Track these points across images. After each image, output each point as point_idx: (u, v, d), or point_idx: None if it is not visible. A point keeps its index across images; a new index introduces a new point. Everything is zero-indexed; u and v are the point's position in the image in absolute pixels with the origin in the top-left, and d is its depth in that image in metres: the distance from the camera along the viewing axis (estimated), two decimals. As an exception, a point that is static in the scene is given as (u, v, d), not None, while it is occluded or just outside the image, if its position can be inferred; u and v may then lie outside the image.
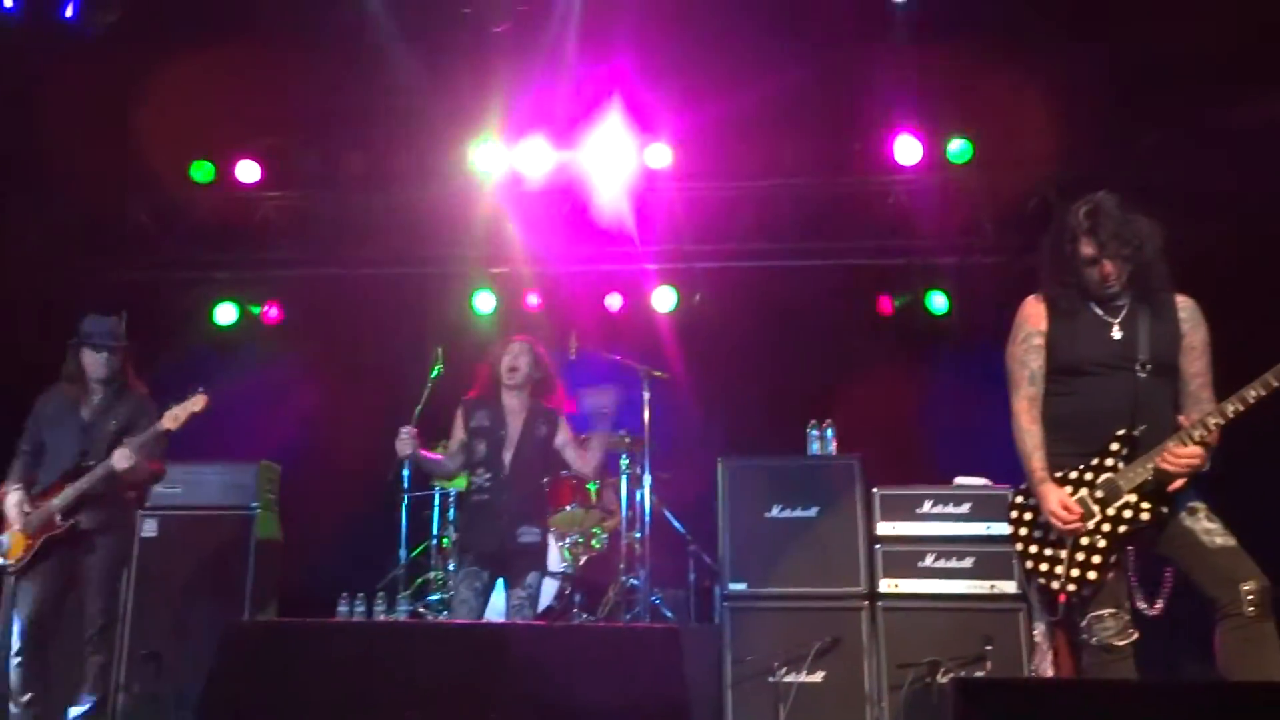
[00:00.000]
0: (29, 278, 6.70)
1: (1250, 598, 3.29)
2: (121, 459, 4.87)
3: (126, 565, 5.51)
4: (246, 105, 6.85)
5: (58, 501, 4.91)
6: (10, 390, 5.51)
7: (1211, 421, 3.38)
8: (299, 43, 6.15)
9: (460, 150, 7.23)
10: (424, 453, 5.04)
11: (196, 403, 5.00)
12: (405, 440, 4.96)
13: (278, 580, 6.18)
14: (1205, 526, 3.43)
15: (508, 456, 5.00)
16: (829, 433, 6.21)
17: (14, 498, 5.03)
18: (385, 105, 6.71)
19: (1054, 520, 3.46)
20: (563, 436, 5.15)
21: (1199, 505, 3.48)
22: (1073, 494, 3.49)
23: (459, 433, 5.14)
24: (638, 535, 6.28)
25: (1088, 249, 3.53)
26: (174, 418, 4.98)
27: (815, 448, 6.18)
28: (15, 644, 4.93)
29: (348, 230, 7.70)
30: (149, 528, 6.01)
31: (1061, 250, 3.60)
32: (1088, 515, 3.45)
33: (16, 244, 6.71)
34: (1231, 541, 3.42)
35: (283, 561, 6.28)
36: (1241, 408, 3.35)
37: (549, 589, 5.96)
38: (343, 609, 6.31)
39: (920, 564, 5.60)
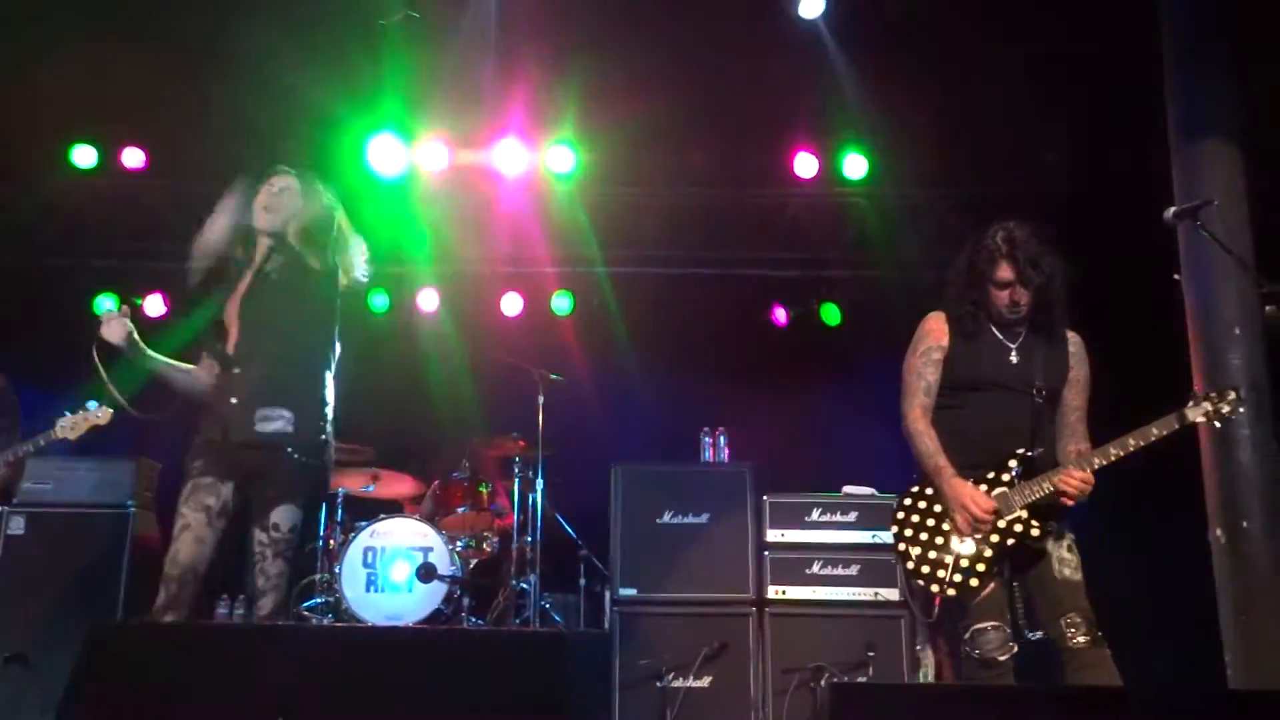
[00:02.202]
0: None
1: (1071, 631, 3.44)
2: None
3: None
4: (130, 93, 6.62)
5: None
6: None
7: (1112, 453, 3.52)
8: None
9: (355, 145, 7.10)
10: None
11: (100, 416, 4.76)
12: (113, 322, 3.86)
13: (155, 582, 5.97)
14: (1062, 555, 3.58)
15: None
16: (722, 440, 6.28)
17: None
18: (278, 98, 6.54)
19: (965, 513, 3.53)
20: None
21: (1067, 535, 3.63)
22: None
23: None
24: (529, 539, 6.24)
25: (1004, 272, 3.64)
26: (71, 427, 4.74)
27: (708, 455, 6.24)
28: None
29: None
30: (16, 525, 5.73)
31: (974, 270, 3.70)
32: (1006, 511, 3.53)
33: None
34: (1077, 577, 3.57)
35: (161, 563, 6.07)
36: (1123, 453, 3.51)
37: (437, 592, 5.89)
38: (222, 611, 6.14)
39: (807, 571, 5.69)
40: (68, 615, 5.54)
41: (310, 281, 3.97)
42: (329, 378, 4.03)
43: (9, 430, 4.90)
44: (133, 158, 7.23)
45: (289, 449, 3.77)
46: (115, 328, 3.80)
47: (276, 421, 3.75)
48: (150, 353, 3.91)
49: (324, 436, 3.93)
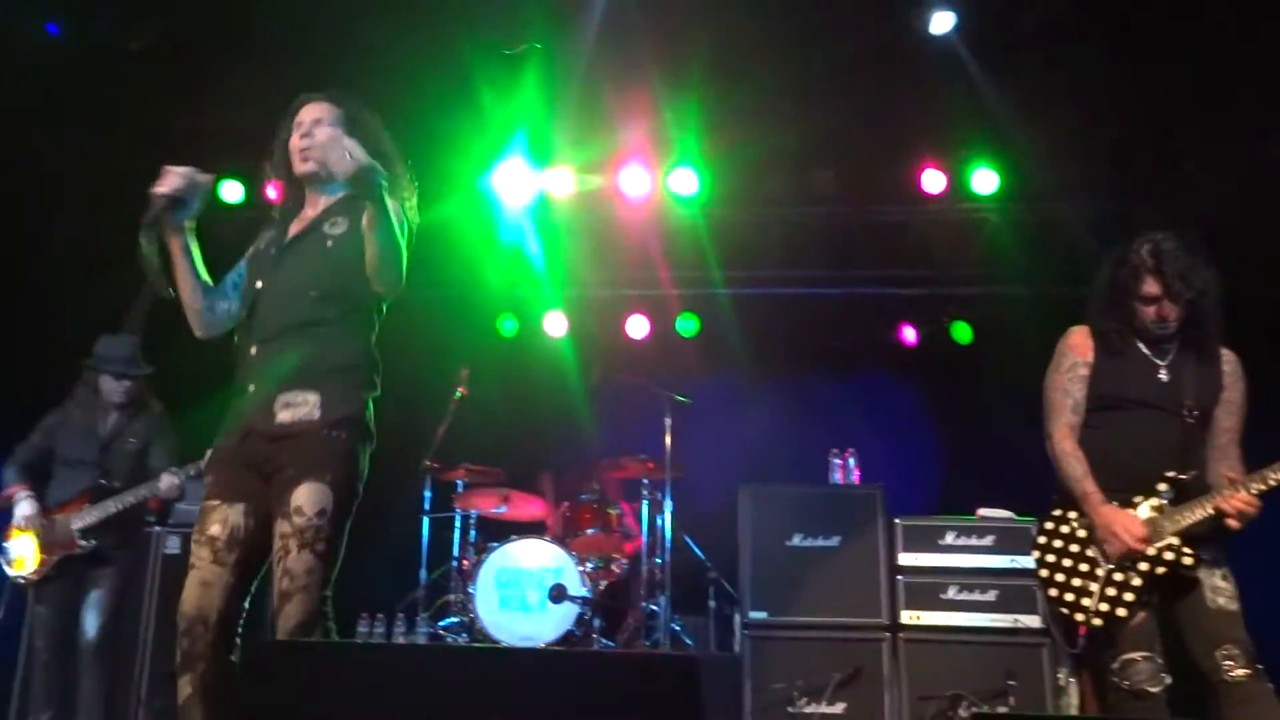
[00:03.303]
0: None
1: (1228, 663, 3.26)
2: (169, 488, 4.87)
3: (135, 584, 5.48)
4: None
5: (79, 522, 4.89)
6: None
7: (1271, 478, 3.34)
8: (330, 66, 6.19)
9: (485, 173, 7.26)
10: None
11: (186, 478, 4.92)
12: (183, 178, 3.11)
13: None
14: (1216, 584, 3.40)
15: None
16: (851, 462, 6.20)
17: (27, 507, 4.98)
18: (408, 128, 6.73)
19: (1116, 540, 3.39)
20: None
21: (1222, 563, 3.45)
22: None
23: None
24: (658, 561, 6.26)
25: (1151, 287, 3.50)
26: (167, 490, 4.92)
27: (837, 477, 6.17)
28: (41, 656, 4.94)
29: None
30: (172, 545, 6.02)
31: (1118, 285, 3.57)
32: (1156, 537, 3.40)
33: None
34: (1233, 606, 3.39)
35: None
36: None
37: (569, 613, 5.95)
38: (362, 629, 6.33)
39: (942, 596, 5.56)
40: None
41: (362, 231, 3.09)
42: (373, 335, 3.25)
43: (165, 456, 5.13)
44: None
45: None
46: (176, 180, 3.06)
47: (301, 407, 2.99)
48: (192, 243, 3.18)
49: (364, 409, 3.14)
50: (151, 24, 5.81)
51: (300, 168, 3.22)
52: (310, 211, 3.28)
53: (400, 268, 3.15)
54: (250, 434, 3.05)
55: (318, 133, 3.20)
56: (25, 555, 4.96)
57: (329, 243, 3.14)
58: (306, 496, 2.93)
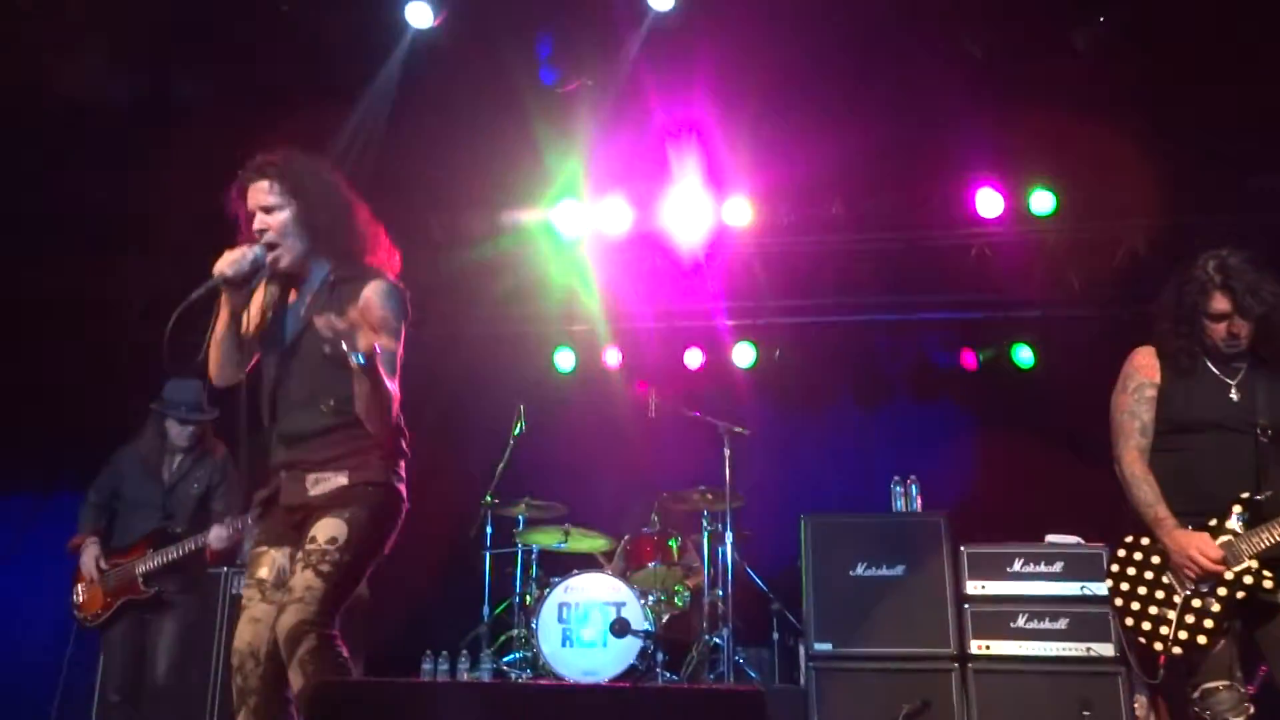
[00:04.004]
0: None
1: None
2: (217, 539, 4.94)
3: (204, 624, 5.55)
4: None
5: (142, 566, 4.98)
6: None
7: None
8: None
9: (540, 209, 7.33)
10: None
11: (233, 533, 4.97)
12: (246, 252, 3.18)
13: (363, 638, 6.23)
14: None
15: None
16: (913, 489, 6.13)
17: (92, 551, 5.09)
18: (465, 166, 6.83)
19: (1192, 565, 3.31)
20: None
21: None
22: None
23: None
24: (720, 593, 6.22)
25: (1220, 304, 3.43)
26: (216, 538, 4.96)
27: (899, 504, 6.10)
28: (111, 698, 5.02)
29: (428, 291, 7.81)
30: (240, 585, 6.09)
31: (1185, 303, 3.50)
32: (1233, 561, 3.31)
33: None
34: None
35: (368, 619, 6.34)
36: None
37: (632, 647, 5.93)
38: (427, 667, 6.36)
39: (1011, 625, 5.45)
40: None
41: (348, 290, 3.18)
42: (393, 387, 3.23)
43: (226, 498, 5.20)
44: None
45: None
46: (237, 261, 3.11)
47: (332, 481, 3.14)
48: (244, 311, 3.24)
49: (393, 476, 3.25)
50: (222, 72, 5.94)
51: (276, 268, 3.23)
52: (302, 300, 3.29)
53: (386, 417, 3.14)
54: (285, 499, 3.23)
55: (271, 221, 3.19)
56: (93, 599, 5.05)
57: (326, 348, 3.13)
58: (322, 527, 3.10)
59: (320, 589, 3.03)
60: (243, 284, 3.16)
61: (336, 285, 3.23)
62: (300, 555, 3.08)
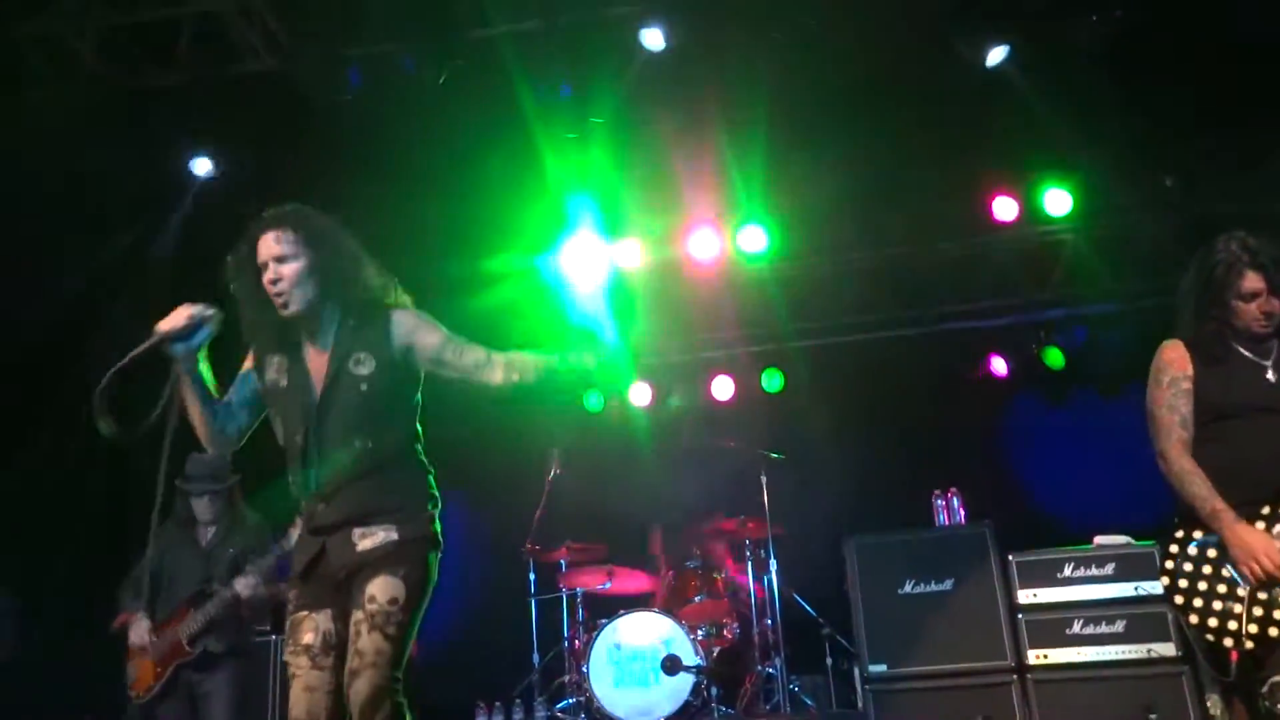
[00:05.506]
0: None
1: None
2: (245, 586, 4.94)
3: (256, 694, 5.53)
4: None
5: (184, 627, 4.99)
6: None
7: None
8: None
9: (557, 247, 7.35)
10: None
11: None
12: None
13: (414, 691, 6.20)
14: None
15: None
16: (955, 501, 6.08)
17: (142, 626, 5.11)
18: (483, 206, 6.87)
19: (1255, 562, 3.23)
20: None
21: None
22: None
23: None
24: (769, 622, 6.17)
25: (1252, 282, 3.37)
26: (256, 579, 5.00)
27: (943, 518, 6.04)
28: None
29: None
30: (288, 653, 6.09)
31: (1214, 284, 3.44)
32: None
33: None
34: None
35: (418, 672, 6.31)
36: None
37: (685, 684, 5.88)
38: (481, 719, 6.32)
39: (1068, 631, 5.37)
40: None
41: (372, 331, 3.19)
42: (420, 445, 3.30)
43: (258, 562, 5.20)
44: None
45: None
46: (179, 318, 3.07)
47: (378, 536, 3.10)
48: (202, 369, 3.17)
49: (430, 508, 3.22)
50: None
51: (284, 313, 3.20)
52: (319, 350, 3.27)
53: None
54: (332, 559, 3.15)
55: (284, 270, 3.17)
56: (144, 673, 5.05)
57: (363, 386, 3.15)
58: (380, 587, 3.04)
59: (389, 652, 2.99)
60: (184, 338, 3.10)
61: (359, 329, 3.22)
62: (364, 617, 3.01)
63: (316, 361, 3.25)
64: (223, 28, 5.63)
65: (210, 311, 3.14)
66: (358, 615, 3.02)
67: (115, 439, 3.02)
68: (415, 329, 3.20)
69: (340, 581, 3.12)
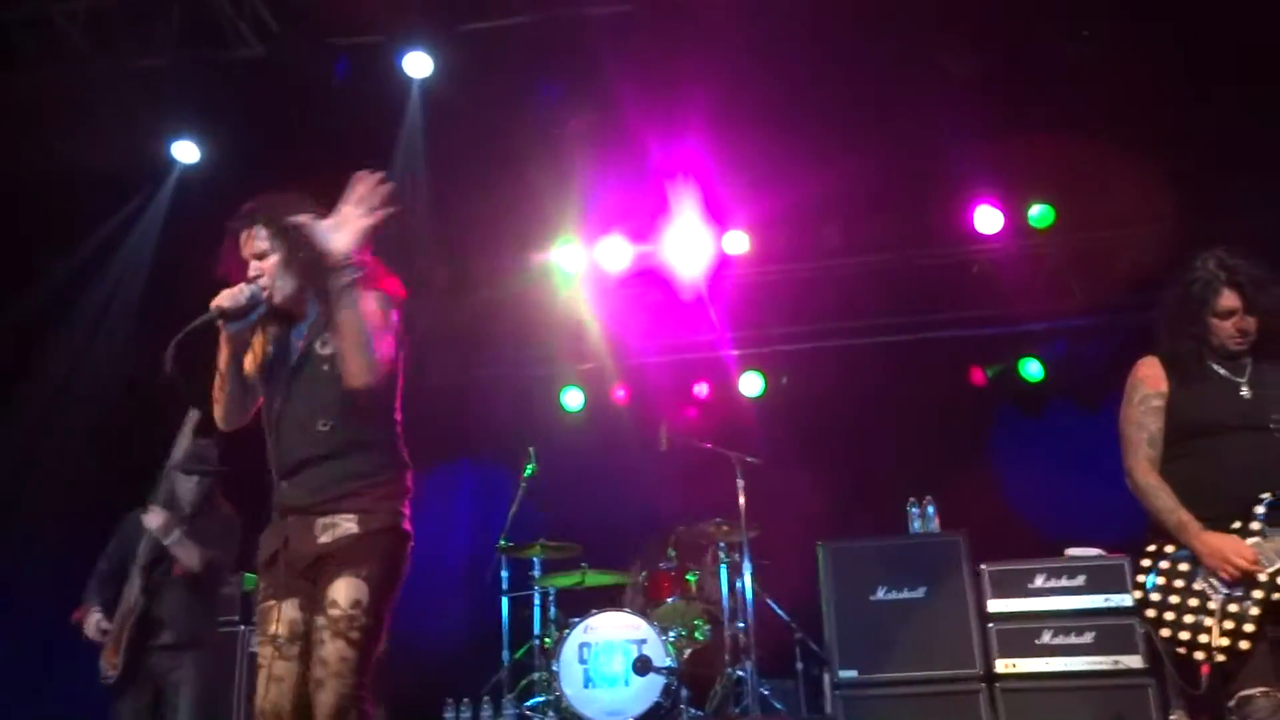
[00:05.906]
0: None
1: None
2: (150, 521, 4.90)
3: (222, 685, 5.48)
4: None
5: (128, 599, 4.93)
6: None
7: None
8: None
9: (541, 251, 7.35)
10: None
11: None
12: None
13: (383, 688, 6.17)
14: None
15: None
16: (930, 510, 6.10)
17: (93, 618, 5.00)
18: (465, 213, 6.87)
19: (1227, 565, 3.25)
20: None
21: None
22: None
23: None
24: (741, 625, 6.17)
25: (1229, 300, 3.40)
26: None
27: (917, 526, 6.07)
28: None
29: (435, 337, 7.85)
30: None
31: (1192, 302, 3.47)
32: (1266, 563, 3.24)
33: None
34: None
35: (386, 667, 6.28)
36: None
37: (655, 685, 5.87)
38: (449, 716, 6.29)
39: (1037, 641, 5.41)
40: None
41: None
42: (395, 437, 3.26)
43: (225, 557, 5.16)
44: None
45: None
46: (236, 295, 3.11)
47: (340, 528, 3.07)
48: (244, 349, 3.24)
49: (398, 499, 3.19)
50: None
51: (273, 304, 3.21)
52: (300, 331, 3.29)
53: (368, 353, 3.05)
54: (293, 549, 3.13)
55: (264, 266, 3.20)
56: (107, 662, 4.99)
57: (325, 366, 3.15)
58: (342, 590, 3.01)
59: (354, 659, 2.96)
60: (240, 317, 3.13)
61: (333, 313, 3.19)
62: (326, 623, 2.97)
63: (299, 342, 3.27)
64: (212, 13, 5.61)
65: (264, 292, 3.17)
66: (320, 620, 3.00)
67: (187, 398, 3.00)
68: (331, 320, 3.12)
69: (303, 569, 3.09)
